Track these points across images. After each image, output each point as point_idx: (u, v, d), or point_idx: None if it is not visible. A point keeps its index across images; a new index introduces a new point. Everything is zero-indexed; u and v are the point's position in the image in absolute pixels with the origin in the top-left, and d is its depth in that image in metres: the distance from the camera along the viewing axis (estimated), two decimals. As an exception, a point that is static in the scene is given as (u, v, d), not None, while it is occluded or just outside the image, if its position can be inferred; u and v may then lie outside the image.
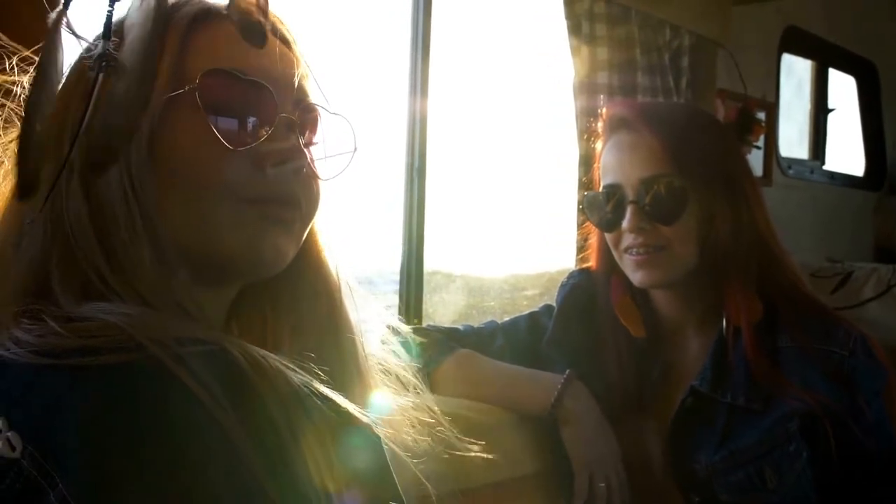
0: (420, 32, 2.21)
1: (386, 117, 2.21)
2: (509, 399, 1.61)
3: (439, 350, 1.63)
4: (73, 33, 0.71)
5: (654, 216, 1.51)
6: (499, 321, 1.81)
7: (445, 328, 1.75)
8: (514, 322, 1.79)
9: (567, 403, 1.54)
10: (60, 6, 0.70)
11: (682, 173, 1.51)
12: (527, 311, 1.81)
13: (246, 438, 0.62)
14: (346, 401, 0.72)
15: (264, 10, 0.79)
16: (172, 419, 0.60)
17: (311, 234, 0.88)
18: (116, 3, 0.71)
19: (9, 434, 0.59)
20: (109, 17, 0.71)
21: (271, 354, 0.68)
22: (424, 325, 1.82)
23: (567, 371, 1.57)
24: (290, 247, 0.82)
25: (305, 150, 0.82)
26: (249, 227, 0.77)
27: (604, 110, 1.66)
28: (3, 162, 0.81)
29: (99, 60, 0.69)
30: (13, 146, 0.82)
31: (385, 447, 0.81)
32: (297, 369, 0.69)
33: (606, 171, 1.58)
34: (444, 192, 2.33)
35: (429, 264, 2.26)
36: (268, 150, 0.78)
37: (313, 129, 0.85)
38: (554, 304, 1.76)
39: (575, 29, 2.41)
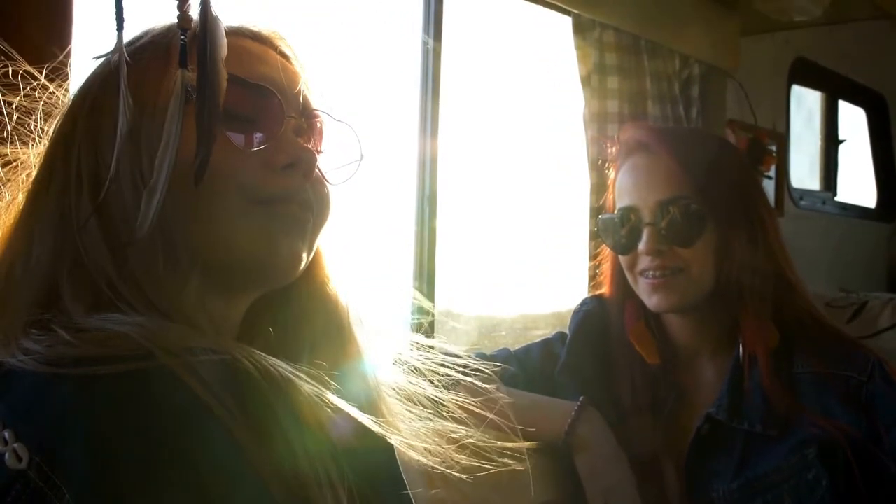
0: (430, 67, 2.21)
1: (396, 157, 2.20)
2: (522, 426, 1.59)
3: (451, 377, 1.62)
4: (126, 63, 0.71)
5: (671, 238, 1.50)
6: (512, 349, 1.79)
7: (458, 356, 1.74)
8: (526, 349, 1.77)
9: (581, 431, 1.52)
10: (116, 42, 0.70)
11: (699, 196, 1.50)
12: (540, 339, 1.79)
13: (256, 447, 0.61)
14: (357, 411, 0.72)
15: None
16: (182, 428, 0.59)
17: (319, 257, 0.87)
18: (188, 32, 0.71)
19: (15, 445, 0.58)
20: (184, 47, 0.71)
21: (282, 364, 0.67)
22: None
23: (581, 398, 1.55)
24: (303, 250, 0.80)
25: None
26: (262, 228, 0.76)
27: (619, 134, 1.66)
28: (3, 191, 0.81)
29: (186, 89, 0.70)
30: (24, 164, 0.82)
31: (398, 462, 0.80)
32: (309, 379, 0.68)
33: (622, 194, 1.57)
34: (454, 233, 2.32)
35: (440, 304, 2.25)
36: (277, 152, 0.78)
37: (319, 136, 0.85)
38: (567, 332, 1.74)
39: (584, 58, 2.41)
